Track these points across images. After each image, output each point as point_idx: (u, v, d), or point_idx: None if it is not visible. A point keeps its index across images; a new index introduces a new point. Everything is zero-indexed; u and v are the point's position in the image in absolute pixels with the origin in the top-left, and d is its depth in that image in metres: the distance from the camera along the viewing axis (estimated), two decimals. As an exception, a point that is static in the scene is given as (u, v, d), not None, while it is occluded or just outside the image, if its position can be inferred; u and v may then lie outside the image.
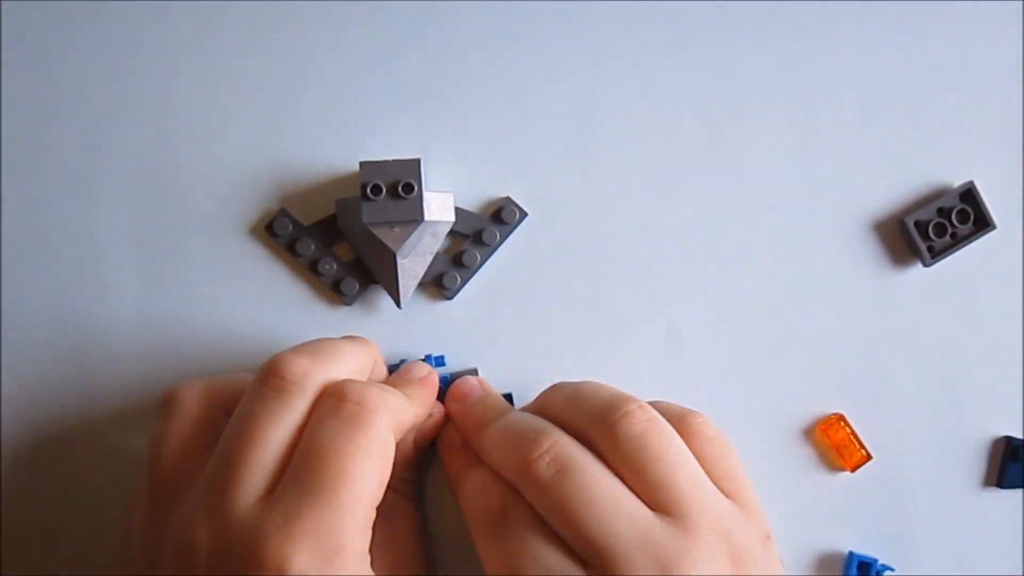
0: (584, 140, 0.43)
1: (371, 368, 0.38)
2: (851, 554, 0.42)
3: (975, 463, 0.43)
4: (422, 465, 0.42)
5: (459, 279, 0.42)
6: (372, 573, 0.33)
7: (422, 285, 0.42)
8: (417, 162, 0.40)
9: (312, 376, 0.34)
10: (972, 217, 0.43)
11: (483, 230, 0.42)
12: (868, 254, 0.43)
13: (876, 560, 0.42)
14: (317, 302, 0.43)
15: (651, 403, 0.37)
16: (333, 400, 0.34)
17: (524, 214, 0.43)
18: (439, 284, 0.42)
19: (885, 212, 0.44)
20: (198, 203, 0.43)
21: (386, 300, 0.43)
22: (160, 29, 0.43)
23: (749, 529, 0.35)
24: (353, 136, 0.43)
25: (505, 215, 0.42)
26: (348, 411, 0.33)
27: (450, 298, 0.43)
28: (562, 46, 0.44)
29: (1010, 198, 0.43)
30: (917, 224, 0.43)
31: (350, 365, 0.36)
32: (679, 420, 0.36)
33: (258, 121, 0.43)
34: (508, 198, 0.43)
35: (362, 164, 0.40)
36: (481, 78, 0.43)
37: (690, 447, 0.35)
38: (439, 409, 0.41)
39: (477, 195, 0.43)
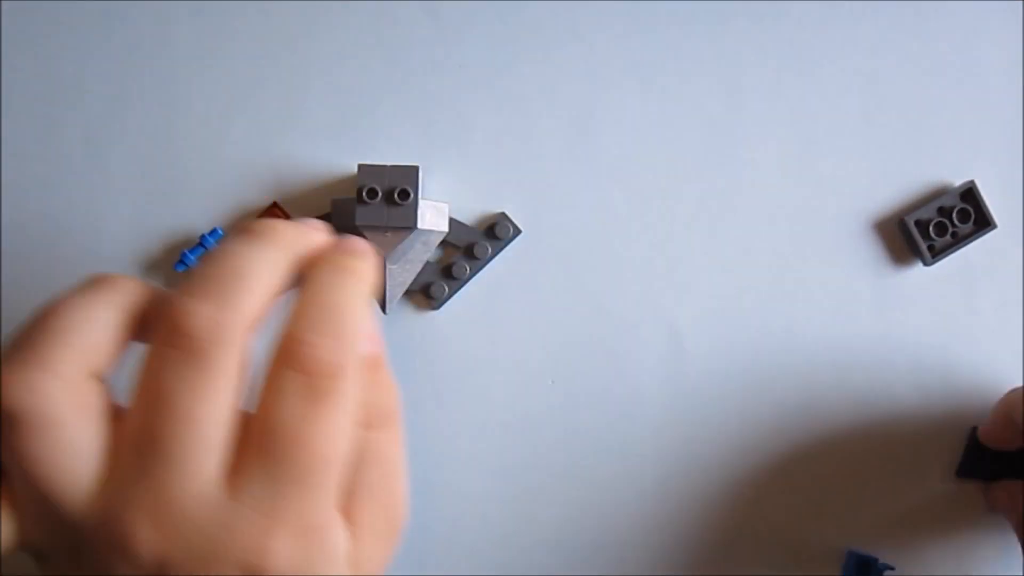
0: (585, 159, 0.43)
1: (288, 268, 0.30)
2: (851, 553, 0.42)
3: (975, 463, 0.43)
4: None
5: (447, 290, 0.42)
6: (345, 531, 0.30)
7: (409, 293, 0.42)
8: (415, 169, 0.40)
9: (224, 325, 0.28)
10: (973, 216, 0.42)
11: (475, 244, 0.42)
12: (868, 254, 0.43)
13: (876, 559, 0.42)
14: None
15: None
16: (300, 377, 0.28)
17: (518, 231, 0.43)
18: (426, 293, 0.42)
19: (885, 212, 0.43)
20: (198, 201, 0.43)
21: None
22: (161, 29, 0.43)
23: None
24: (355, 139, 0.43)
25: (499, 231, 0.42)
26: (318, 387, 0.28)
27: (436, 308, 0.43)
28: (564, 61, 0.43)
29: (1010, 198, 0.43)
30: (918, 223, 0.42)
31: (264, 285, 0.29)
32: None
33: (260, 120, 0.43)
34: (503, 214, 0.43)
35: (360, 167, 0.40)
36: (488, 92, 0.43)
37: None
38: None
39: (473, 208, 0.43)
